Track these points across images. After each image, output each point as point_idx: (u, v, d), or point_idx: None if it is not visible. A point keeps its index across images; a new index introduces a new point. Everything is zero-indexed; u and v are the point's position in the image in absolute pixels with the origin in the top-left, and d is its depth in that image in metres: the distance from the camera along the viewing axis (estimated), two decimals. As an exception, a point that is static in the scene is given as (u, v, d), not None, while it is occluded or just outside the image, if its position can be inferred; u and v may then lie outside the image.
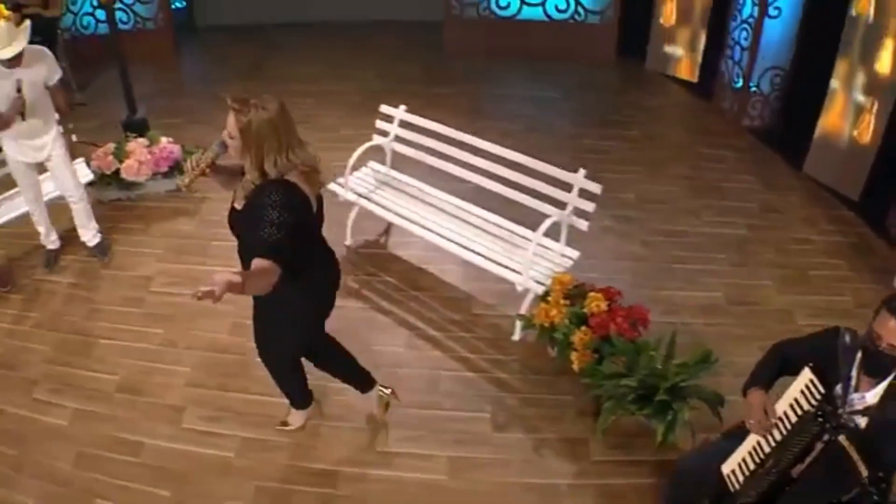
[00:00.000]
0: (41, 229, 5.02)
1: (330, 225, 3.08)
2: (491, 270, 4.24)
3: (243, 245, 2.93)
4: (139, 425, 3.86)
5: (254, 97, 2.71)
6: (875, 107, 5.18)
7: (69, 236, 5.17)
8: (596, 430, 3.58)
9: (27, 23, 4.25)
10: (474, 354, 4.21)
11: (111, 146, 5.55)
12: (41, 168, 4.79)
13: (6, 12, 6.05)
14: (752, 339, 4.00)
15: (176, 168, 5.62)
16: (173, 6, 8.31)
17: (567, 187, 4.30)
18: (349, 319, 4.39)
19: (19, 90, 4.24)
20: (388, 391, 3.74)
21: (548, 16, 7.93)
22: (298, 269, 2.78)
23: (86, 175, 5.32)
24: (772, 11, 6.19)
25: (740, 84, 6.65)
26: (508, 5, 7.94)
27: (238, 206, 2.87)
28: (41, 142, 4.63)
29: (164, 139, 5.64)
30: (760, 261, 4.84)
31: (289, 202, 2.68)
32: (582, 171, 4.28)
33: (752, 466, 2.70)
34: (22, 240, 5.22)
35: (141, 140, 5.60)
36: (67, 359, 4.30)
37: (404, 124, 4.88)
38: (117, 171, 5.51)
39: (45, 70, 4.43)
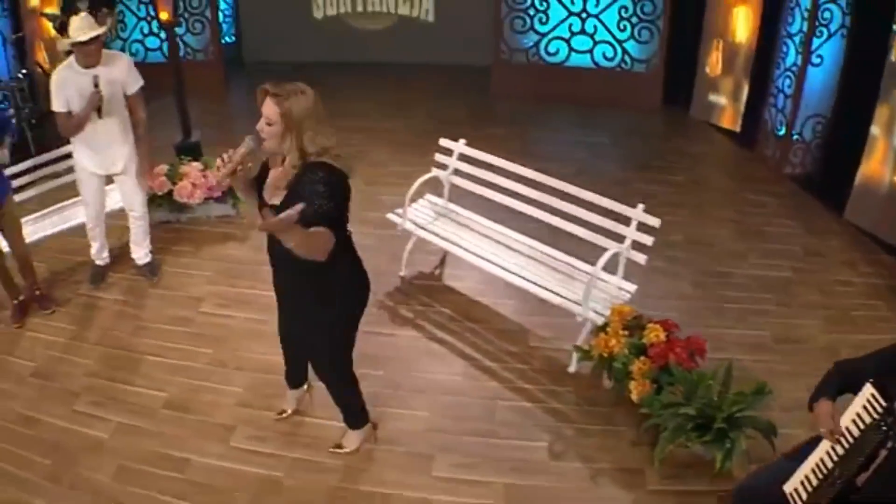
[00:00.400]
0: (95, 244, 5.07)
1: (383, 256, 3.13)
2: (549, 300, 4.24)
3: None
4: (186, 442, 3.84)
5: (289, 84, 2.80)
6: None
7: (116, 254, 5.25)
8: (653, 459, 3.53)
9: (111, 20, 4.43)
10: (530, 385, 4.18)
11: (164, 167, 5.65)
12: (108, 180, 4.89)
13: (52, 32, 6.30)
14: (798, 376, 3.98)
15: (229, 193, 5.69)
16: (223, 40, 8.57)
17: (625, 221, 4.32)
18: (403, 348, 4.41)
19: (96, 85, 4.35)
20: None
21: (595, 63, 8.09)
22: (337, 254, 2.88)
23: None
24: (814, 59, 6.26)
25: (783, 132, 6.70)
26: (557, 51, 8.12)
27: (277, 201, 2.90)
28: (117, 153, 4.72)
29: (219, 161, 5.70)
30: (805, 301, 4.89)
31: (334, 179, 2.81)
32: (640, 206, 4.31)
33: (815, 482, 2.66)
34: (65, 255, 5.32)
35: (195, 164, 5.71)
36: (111, 373, 4.31)
37: (463, 157, 4.95)
38: (170, 193, 5.60)
39: (123, 74, 4.54)
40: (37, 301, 4.87)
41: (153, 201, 5.61)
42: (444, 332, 4.62)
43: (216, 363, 4.39)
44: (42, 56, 7.72)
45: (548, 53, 8.16)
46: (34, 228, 5.07)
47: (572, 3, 7.90)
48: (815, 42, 6.22)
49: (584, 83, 8.00)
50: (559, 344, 4.45)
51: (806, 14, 6.25)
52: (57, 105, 4.46)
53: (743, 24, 7.18)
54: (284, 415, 3.99)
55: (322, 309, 3.18)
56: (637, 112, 7.84)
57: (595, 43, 8.06)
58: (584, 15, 7.94)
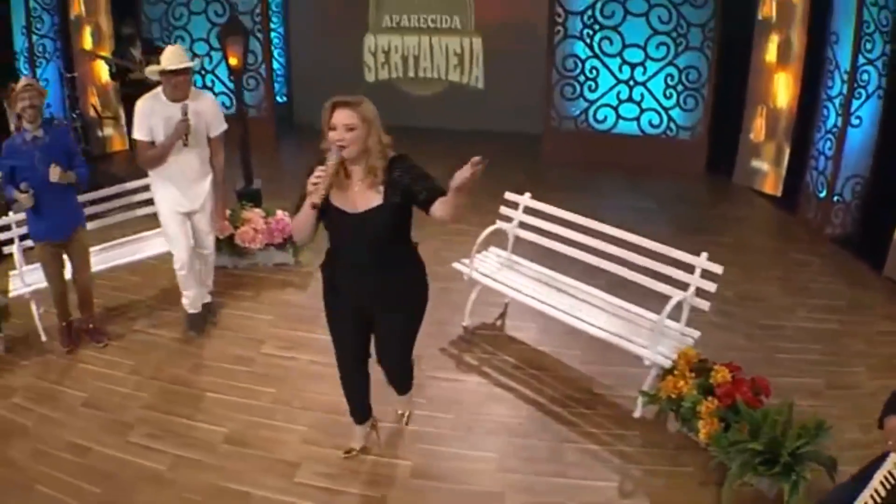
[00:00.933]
0: (189, 292, 5.09)
1: (446, 308, 3.30)
2: (617, 345, 4.33)
3: (366, 232, 3.20)
4: (247, 476, 3.88)
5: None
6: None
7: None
8: (721, 498, 3.59)
9: (196, 59, 4.65)
10: (596, 429, 4.22)
11: (226, 212, 5.83)
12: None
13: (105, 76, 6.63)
14: (850, 418, 4.14)
15: (288, 241, 5.87)
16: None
17: (688, 269, 4.44)
18: (470, 392, 4.51)
19: (185, 114, 4.51)
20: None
21: (642, 130, 8.38)
22: (412, 248, 3.38)
23: None
24: (853, 121, 6.48)
25: (824, 193, 6.86)
26: (605, 119, 8.43)
27: (366, 206, 3.17)
28: (198, 189, 4.89)
29: (279, 212, 5.92)
30: (852, 351, 5.03)
31: (420, 168, 3.21)
32: (704, 254, 4.44)
33: (883, 494, 2.78)
34: (118, 291, 5.55)
35: (257, 210, 5.91)
36: (168, 407, 4.40)
37: (528, 210, 5.12)
38: (231, 237, 5.76)
39: (209, 112, 4.71)
40: (89, 334, 5.01)
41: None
42: (509, 378, 4.70)
43: (279, 402, 4.46)
44: (94, 100, 8.12)
45: (596, 121, 8.45)
46: (97, 259, 5.23)
47: (620, 70, 8.23)
48: (854, 104, 6.44)
49: (631, 150, 8.27)
50: (622, 391, 4.51)
51: (845, 76, 6.48)
52: (140, 133, 4.62)
53: (784, 90, 7.43)
54: (353, 453, 4.04)
55: (412, 297, 3.46)
56: (682, 178, 8.05)
57: (642, 111, 8.35)
58: (631, 83, 8.26)
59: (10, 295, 5.03)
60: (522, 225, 5.14)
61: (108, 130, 8.52)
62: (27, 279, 5.04)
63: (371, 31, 9.46)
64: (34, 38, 7.93)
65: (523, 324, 5.18)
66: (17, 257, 5.06)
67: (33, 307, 5.01)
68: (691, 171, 8.19)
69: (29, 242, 4.91)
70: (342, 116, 3.07)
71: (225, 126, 4.87)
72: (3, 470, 3.92)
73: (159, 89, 4.61)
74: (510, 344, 5.06)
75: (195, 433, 4.17)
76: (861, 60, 6.33)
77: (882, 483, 2.80)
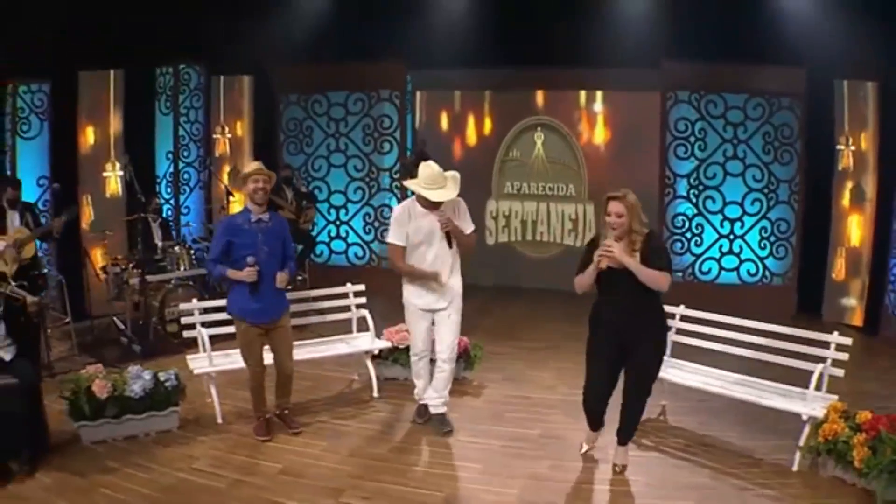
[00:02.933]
0: (420, 382, 5.75)
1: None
2: (777, 407, 5.46)
3: (625, 285, 4.63)
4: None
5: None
6: None
7: (346, 396, 6.53)
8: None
9: (456, 174, 5.41)
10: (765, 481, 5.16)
11: (401, 327, 6.72)
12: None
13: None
14: None
15: (463, 356, 7.01)
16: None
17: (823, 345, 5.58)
18: (654, 463, 5.47)
19: (448, 219, 5.18)
20: None
21: (741, 279, 9.73)
22: (658, 306, 4.88)
23: (376, 344, 6.64)
24: None
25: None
26: (710, 270, 9.86)
27: (618, 265, 4.59)
28: (446, 290, 5.42)
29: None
30: None
31: (666, 249, 4.97)
32: (836, 332, 5.61)
33: None
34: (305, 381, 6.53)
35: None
36: (374, 476, 5.03)
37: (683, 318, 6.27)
38: (408, 347, 6.74)
39: (459, 216, 5.38)
40: (283, 420, 5.63)
41: (388, 356, 6.79)
42: (685, 453, 5.62)
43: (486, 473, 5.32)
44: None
45: (701, 272, 9.84)
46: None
47: (721, 226, 9.73)
48: None
49: (731, 297, 9.30)
50: (779, 454, 5.48)
51: None
52: (394, 238, 5.33)
53: (860, 229, 8.86)
54: (584, 450, 5.31)
55: (657, 332, 4.90)
56: (777, 320, 9.01)
57: (741, 261, 9.74)
58: (731, 237, 9.74)
59: (196, 372, 5.84)
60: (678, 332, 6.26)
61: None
62: (215, 362, 5.86)
63: (493, 197, 10.85)
64: (180, 164, 9.51)
65: (682, 417, 6.21)
66: (205, 340, 5.84)
67: (213, 389, 5.84)
68: (786, 313, 9.12)
69: (215, 330, 5.88)
70: (614, 207, 4.57)
71: (472, 227, 5.52)
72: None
73: (414, 198, 5.33)
74: (677, 430, 6.01)
75: (412, 497, 4.77)
76: None
77: None
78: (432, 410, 5.73)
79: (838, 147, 8.98)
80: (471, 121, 10.91)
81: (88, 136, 8.62)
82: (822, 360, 5.48)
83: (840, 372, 5.47)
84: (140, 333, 7.65)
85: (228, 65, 9.72)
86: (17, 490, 4.76)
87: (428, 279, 5.38)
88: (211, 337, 6.02)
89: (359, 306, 6.87)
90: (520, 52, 9.56)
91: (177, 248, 8.14)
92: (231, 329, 5.68)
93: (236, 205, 9.26)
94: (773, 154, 9.56)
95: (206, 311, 6.22)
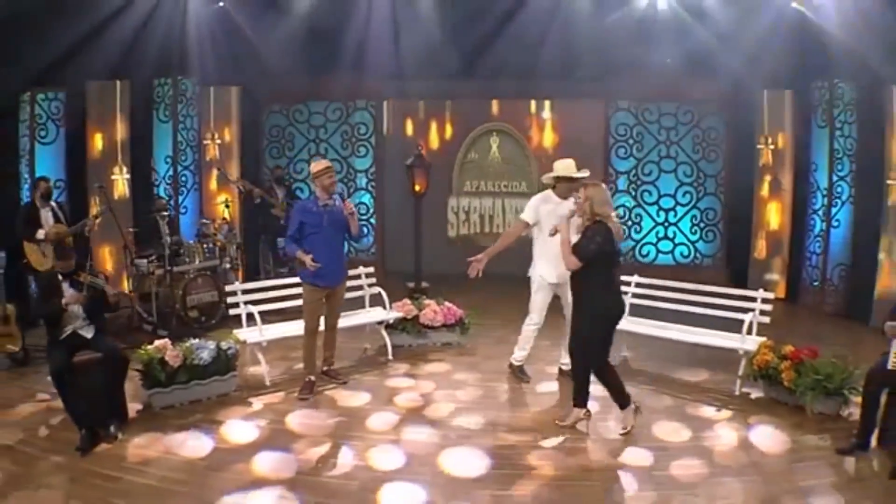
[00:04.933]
0: (524, 351, 7.18)
1: None
2: (719, 345, 7.18)
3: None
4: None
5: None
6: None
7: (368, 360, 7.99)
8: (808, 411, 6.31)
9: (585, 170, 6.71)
10: (714, 400, 6.92)
11: (407, 302, 8.48)
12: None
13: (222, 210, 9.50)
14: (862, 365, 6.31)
15: (458, 325, 8.57)
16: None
17: (752, 300, 7.35)
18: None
19: (573, 213, 5.95)
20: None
21: (675, 260, 11.62)
22: (594, 288, 5.79)
23: (390, 314, 8.18)
24: (834, 223, 9.82)
25: (818, 283, 10.00)
26: (648, 253, 11.70)
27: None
28: (564, 274, 6.29)
29: (446, 303, 8.64)
30: (859, 353, 7.23)
31: (598, 231, 5.67)
32: (762, 290, 7.39)
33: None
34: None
35: (429, 301, 8.63)
36: (415, 417, 6.67)
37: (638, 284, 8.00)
38: (415, 318, 8.34)
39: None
40: (329, 375, 7.13)
41: (397, 327, 8.29)
42: (649, 387, 7.25)
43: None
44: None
45: (641, 255, 11.68)
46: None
47: (657, 215, 11.61)
48: (833, 210, 9.81)
49: (667, 276, 10.99)
50: (722, 384, 7.22)
51: (825, 192, 9.88)
52: (525, 215, 6.81)
53: (779, 214, 10.81)
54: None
55: (582, 309, 5.96)
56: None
57: (675, 245, 11.64)
58: (666, 224, 11.65)
59: (249, 342, 7.16)
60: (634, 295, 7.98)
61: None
62: (265, 333, 7.23)
63: (454, 194, 12.37)
64: (179, 168, 10.61)
65: (644, 361, 7.92)
66: (256, 316, 7.20)
67: (261, 356, 7.15)
68: None
69: (266, 307, 7.39)
70: (581, 191, 5.83)
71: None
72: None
73: (550, 190, 6.76)
74: (638, 374, 7.64)
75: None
76: (835, 178, 9.78)
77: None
78: (564, 368, 7.31)
79: (758, 146, 10.94)
80: (433, 126, 12.47)
81: (97, 141, 9.65)
82: (752, 311, 7.24)
83: (766, 319, 7.22)
84: (164, 320, 8.75)
85: (218, 77, 10.85)
86: (113, 450, 5.73)
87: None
88: (248, 315, 7.43)
89: (370, 285, 8.35)
90: (477, 66, 11.08)
91: (192, 242, 9.28)
92: (262, 308, 7.40)
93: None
94: (702, 153, 11.53)
95: (246, 291, 7.61)
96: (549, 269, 6.80)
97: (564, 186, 6.67)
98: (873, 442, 5.70)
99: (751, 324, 7.19)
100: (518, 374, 7.33)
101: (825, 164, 10.01)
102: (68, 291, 6.11)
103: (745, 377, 6.95)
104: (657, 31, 10.31)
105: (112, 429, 5.94)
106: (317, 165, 6.89)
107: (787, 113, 10.73)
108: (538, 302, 7.01)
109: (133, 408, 6.42)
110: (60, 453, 5.64)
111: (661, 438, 6.10)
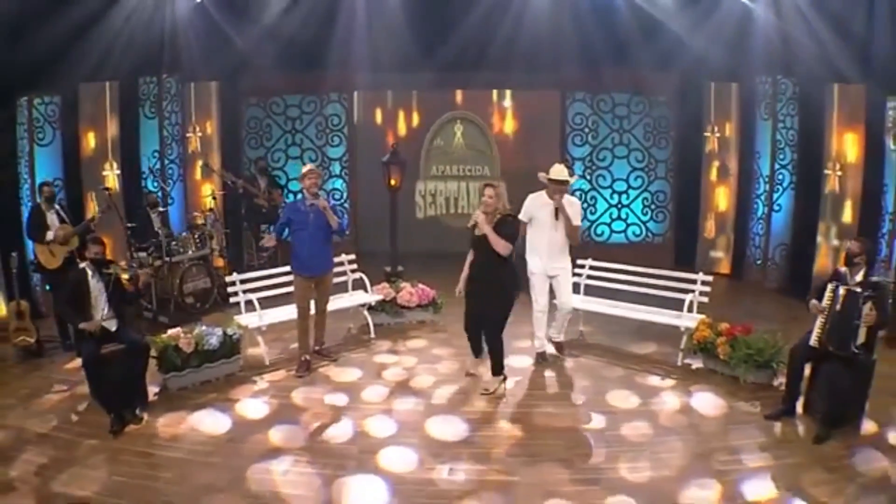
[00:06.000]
0: (539, 333, 8.02)
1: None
2: (663, 323, 8.35)
3: (483, 249, 7.00)
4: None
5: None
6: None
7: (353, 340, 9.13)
8: (741, 380, 7.52)
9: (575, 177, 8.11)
10: (659, 371, 8.11)
11: (386, 285, 9.59)
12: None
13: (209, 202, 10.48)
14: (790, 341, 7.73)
15: (431, 305, 9.69)
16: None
17: (692, 281, 8.55)
18: (582, 367, 8.30)
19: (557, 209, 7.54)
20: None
21: (628, 239, 12.84)
22: (506, 272, 7.02)
23: (372, 297, 9.30)
24: (776, 208, 11.07)
25: (761, 261, 11.28)
26: (602, 233, 12.89)
27: (480, 233, 6.98)
28: (558, 264, 7.81)
29: (420, 284, 9.74)
30: (790, 328, 8.14)
31: (511, 223, 7.02)
32: (701, 273, 8.60)
33: (819, 329, 6.61)
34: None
35: (405, 284, 9.71)
36: (405, 388, 7.91)
37: (592, 268, 9.16)
38: (394, 299, 9.45)
39: (572, 210, 7.64)
40: (322, 353, 8.18)
41: (377, 308, 9.39)
42: (600, 359, 8.46)
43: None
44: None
45: (596, 235, 12.87)
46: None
47: (611, 198, 12.80)
48: (775, 196, 11.04)
49: (620, 254, 12.06)
50: (666, 357, 8.43)
51: (767, 179, 11.12)
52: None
53: (725, 198, 12.03)
54: (470, 375, 7.68)
55: (496, 293, 7.11)
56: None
57: (627, 225, 12.86)
58: (619, 206, 12.86)
59: (250, 327, 8.07)
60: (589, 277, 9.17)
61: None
62: (264, 318, 8.24)
63: (422, 178, 13.28)
64: (166, 162, 11.42)
65: (597, 338, 9.13)
66: (255, 303, 8.22)
67: (260, 339, 8.17)
68: (666, 265, 12.21)
69: (262, 294, 8.44)
70: (488, 191, 6.95)
71: (580, 222, 7.97)
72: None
73: (544, 191, 7.64)
74: (593, 347, 8.88)
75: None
76: (777, 166, 11.01)
77: (819, 327, 6.64)
78: (555, 340, 8.38)
79: (705, 134, 12.13)
80: (401, 116, 13.43)
81: (90, 140, 10.39)
82: (692, 291, 8.44)
83: (705, 299, 8.43)
84: (163, 306, 9.69)
85: (198, 73, 11.64)
86: (141, 430, 6.63)
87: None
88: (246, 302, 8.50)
89: (352, 271, 9.42)
90: (442, 58, 11.86)
91: (184, 233, 10.18)
92: (260, 295, 8.45)
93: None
94: (653, 140, 12.72)
95: (244, 281, 8.59)
96: (534, 260, 7.90)
97: (554, 187, 7.64)
98: (799, 409, 6.86)
99: (691, 303, 8.36)
100: (539, 360, 8.26)
101: (768, 153, 11.22)
102: (96, 286, 7.00)
103: (687, 350, 8.15)
104: (612, 25, 11.34)
105: (138, 411, 6.92)
106: (303, 170, 7.95)
107: (734, 104, 11.87)
108: (536, 287, 7.97)
109: (151, 391, 7.41)
110: (94, 437, 6.49)
111: (613, 405, 7.30)
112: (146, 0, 10.39)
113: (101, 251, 7.12)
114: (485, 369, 7.60)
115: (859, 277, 6.58)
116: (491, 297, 7.11)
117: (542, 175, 7.68)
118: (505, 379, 7.39)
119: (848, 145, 10.01)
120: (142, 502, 5.58)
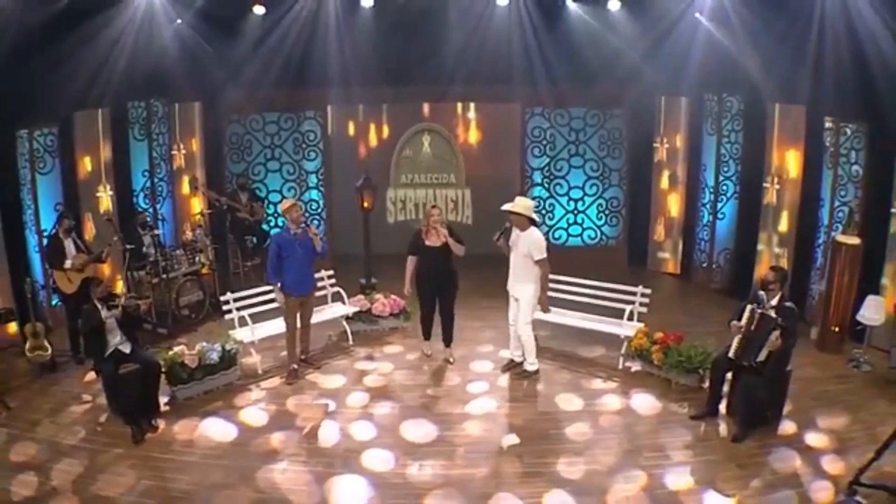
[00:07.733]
0: (511, 344, 9.53)
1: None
2: (605, 331, 9.86)
3: (437, 253, 9.39)
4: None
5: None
6: (785, 253, 11.37)
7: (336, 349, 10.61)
8: (671, 383, 9.05)
9: (530, 202, 9.41)
10: (601, 373, 9.65)
11: (361, 297, 11.06)
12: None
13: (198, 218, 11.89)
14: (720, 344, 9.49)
15: (402, 313, 11.17)
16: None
17: (632, 294, 10.09)
18: (544, 372, 9.86)
19: (499, 236, 8.96)
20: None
21: (584, 242, 14.38)
22: (455, 269, 9.52)
23: (349, 309, 10.75)
24: (720, 216, 12.61)
25: (706, 264, 12.87)
26: (560, 237, 14.40)
27: (438, 244, 9.21)
28: (519, 286, 9.00)
29: (392, 296, 11.16)
30: (720, 332, 10.09)
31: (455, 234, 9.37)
32: (641, 287, 10.13)
33: (735, 345, 8.03)
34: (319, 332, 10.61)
35: (378, 295, 11.15)
36: (386, 392, 9.50)
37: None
38: (368, 310, 10.91)
39: (530, 243, 8.74)
40: (308, 362, 9.49)
41: (354, 317, 10.86)
42: (551, 362, 9.95)
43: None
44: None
45: (554, 239, 14.33)
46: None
47: (568, 204, 14.28)
48: (719, 205, 12.54)
49: (577, 256, 13.68)
50: (608, 360, 9.95)
51: (712, 189, 12.63)
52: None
53: (674, 205, 13.56)
54: (429, 354, 9.66)
55: (452, 278, 9.41)
56: (612, 271, 12.41)
57: (583, 230, 14.36)
58: (575, 212, 14.33)
59: (246, 341, 9.34)
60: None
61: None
62: (257, 332, 9.60)
63: (392, 186, 14.64)
64: (155, 180, 12.66)
65: (552, 342, 10.61)
66: (248, 319, 9.48)
67: (253, 351, 9.47)
68: (620, 265, 13.85)
69: (253, 310, 9.81)
70: (435, 210, 9.33)
71: (543, 255, 8.84)
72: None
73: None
74: (547, 349, 10.36)
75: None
76: (721, 178, 12.49)
77: (737, 343, 8.04)
78: (516, 359, 9.78)
79: (655, 145, 13.63)
80: (372, 128, 14.81)
81: (86, 164, 11.57)
82: (632, 303, 9.98)
83: (645, 309, 9.97)
84: (161, 319, 11.06)
85: (183, 94, 12.89)
86: (158, 437, 7.87)
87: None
88: (239, 318, 9.88)
89: (332, 285, 10.89)
90: (409, 74, 13.22)
91: (177, 251, 11.52)
92: (245, 312, 9.77)
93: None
94: (607, 151, 14.14)
95: (237, 299, 9.95)
96: (510, 280, 9.21)
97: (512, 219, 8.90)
98: (722, 410, 8.24)
99: (632, 312, 9.90)
100: (506, 367, 9.78)
101: (713, 165, 12.69)
102: (108, 317, 8.36)
103: (626, 356, 9.69)
104: (569, 43, 12.57)
105: (153, 421, 8.30)
106: (284, 204, 9.26)
107: (683, 118, 13.31)
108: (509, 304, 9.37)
109: (161, 401, 8.76)
110: (119, 445, 7.66)
111: (561, 407, 8.81)
112: (132, 27, 11.49)
113: (105, 289, 8.53)
114: (439, 347, 9.81)
115: (774, 302, 7.76)
116: (449, 282, 9.55)
117: (506, 207, 8.91)
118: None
119: (788, 161, 11.19)
120: (169, 501, 6.98)
